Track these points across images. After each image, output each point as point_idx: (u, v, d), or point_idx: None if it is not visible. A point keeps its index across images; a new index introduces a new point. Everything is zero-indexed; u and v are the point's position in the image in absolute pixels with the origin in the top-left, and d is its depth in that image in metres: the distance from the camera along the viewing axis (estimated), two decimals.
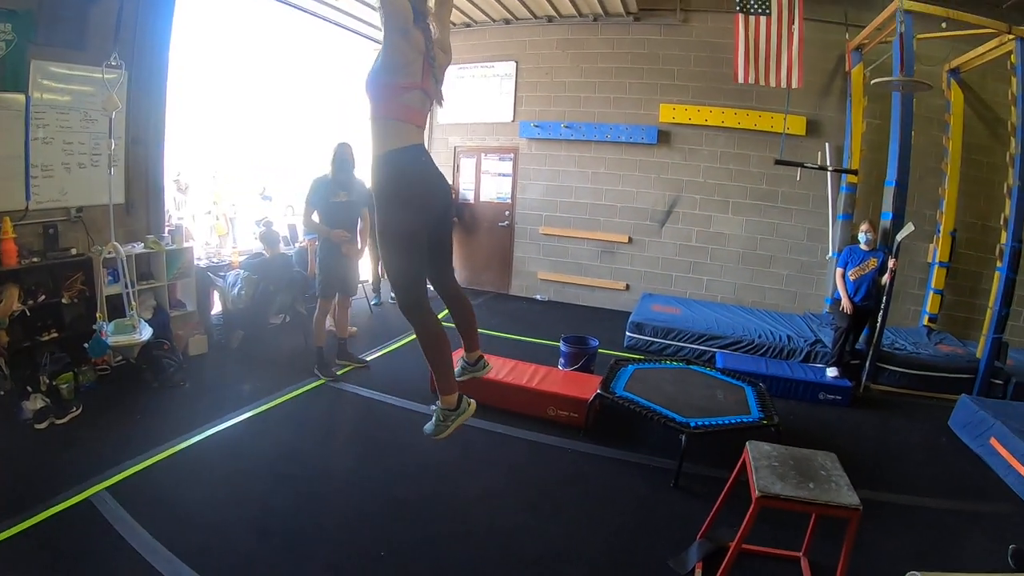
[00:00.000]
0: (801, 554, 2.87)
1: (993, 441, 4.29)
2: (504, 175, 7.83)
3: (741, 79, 6.26)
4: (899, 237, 5.12)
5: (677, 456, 3.56)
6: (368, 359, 5.10)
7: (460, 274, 8.15)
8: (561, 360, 5.04)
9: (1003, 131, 6.08)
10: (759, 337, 5.92)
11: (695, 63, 7.07)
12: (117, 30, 4.48)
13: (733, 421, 3.79)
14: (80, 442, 3.46)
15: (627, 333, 6.22)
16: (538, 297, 7.91)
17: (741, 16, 6.02)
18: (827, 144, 6.82)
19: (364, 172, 4.76)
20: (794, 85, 6.15)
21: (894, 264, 5.11)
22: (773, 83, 6.19)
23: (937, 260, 6.43)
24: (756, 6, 6.00)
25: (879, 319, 5.31)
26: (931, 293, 6.60)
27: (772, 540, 2.92)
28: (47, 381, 3.89)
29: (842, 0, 6.60)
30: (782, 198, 7.11)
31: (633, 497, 3.42)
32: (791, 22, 5.95)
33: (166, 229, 5.13)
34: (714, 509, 2.87)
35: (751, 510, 2.35)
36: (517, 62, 7.69)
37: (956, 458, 4.38)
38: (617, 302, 7.59)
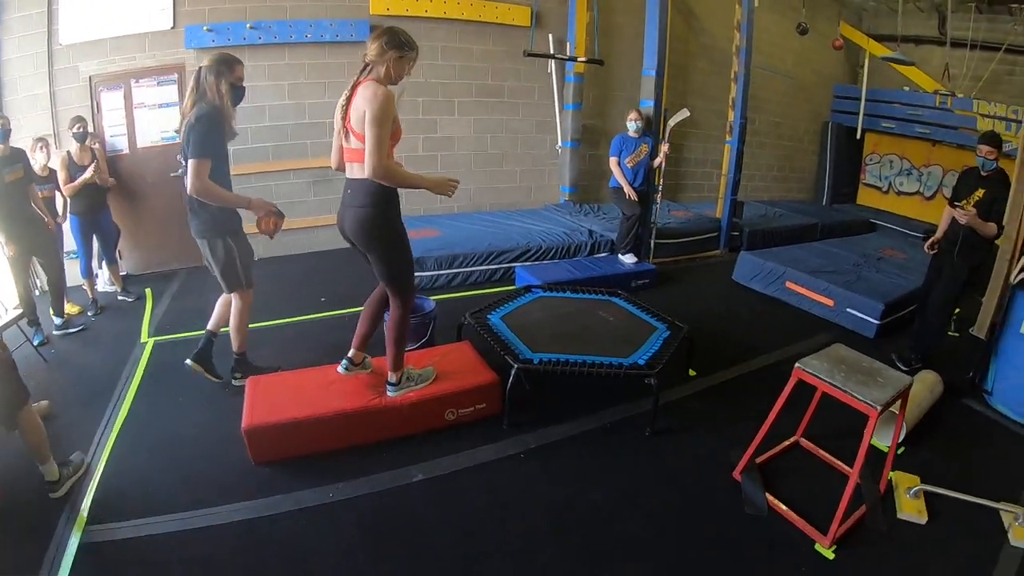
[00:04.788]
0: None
1: (789, 284, 4.95)
2: (169, 105, 5.33)
3: None
4: (672, 122, 5.25)
5: (611, 403, 3.30)
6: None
7: (133, 258, 5.58)
8: None
9: (696, 23, 6.81)
10: (543, 241, 5.60)
11: None
12: None
13: (661, 343, 3.42)
14: None
15: None
16: None
17: None
18: (550, 36, 6.59)
19: None
20: None
21: (667, 148, 5.26)
22: None
23: None
24: None
25: (657, 200, 5.51)
26: None
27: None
28: None
29: None
30: (508, 93, 6.74)
31: (624, 473, 2.79)
32: None
33: None
34: (756, 441, 2.66)
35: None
36: None
37: (766, 307, 5.03)
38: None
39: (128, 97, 5.20)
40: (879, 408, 2.23)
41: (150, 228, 5.50)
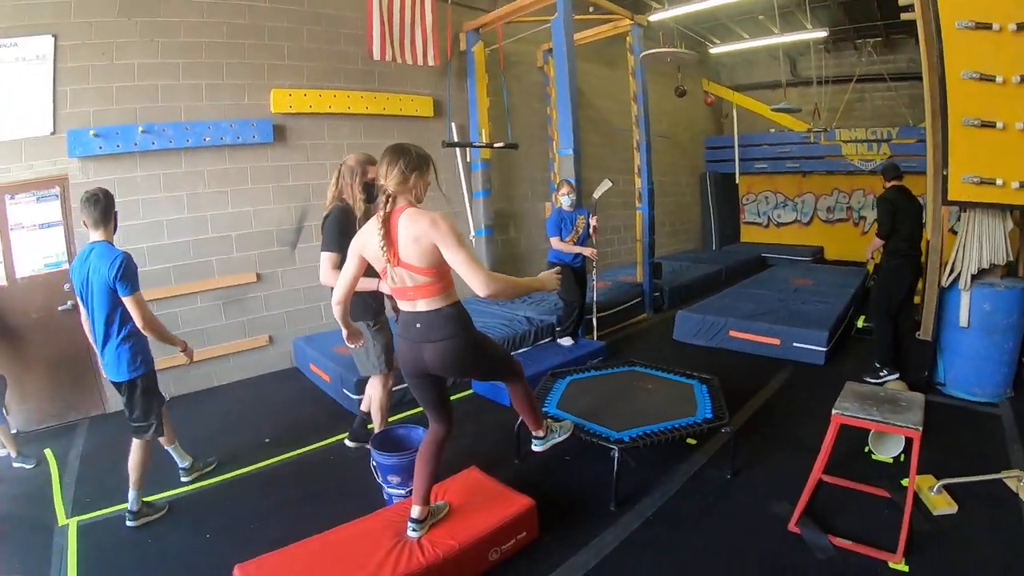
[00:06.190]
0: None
1: (733, 332, 5.27)
2: (51, 225, 4.60)
3: (377, 55, 5.64)
4: (596, 194, 5.46)
5: (643, 487, 3.29)
6: None
7: (23, 413, 4.63)
8: (389, 483, 3.07)
9: (584, 99, 7.30)
10: (491, 334, 5.29)
11: (308, 38, 5.68)
12: None
13: (709, 395, 3.66)
14: None
15: (353, 396, 4.41)
16: None
17: None
18: (452, 124, 6.64)
19: None
20: (430, 63, 6.00)
21: (596, 221, 5.37)
22: (410, 60, 5.88)
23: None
24: None
25: (594, 276, 5.62)
26: None
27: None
28: None
29: None
30: None
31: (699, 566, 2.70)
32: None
33: None
34: (805, 494, 2.84)
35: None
36: (56, 36, 4.49)
37: (719, 359, 5.21)
38: (265, 363, 5.60)
39: (2, 216, 4.42)
40: (920, 429, 2.48)
41: (40, 374, 4.64)
